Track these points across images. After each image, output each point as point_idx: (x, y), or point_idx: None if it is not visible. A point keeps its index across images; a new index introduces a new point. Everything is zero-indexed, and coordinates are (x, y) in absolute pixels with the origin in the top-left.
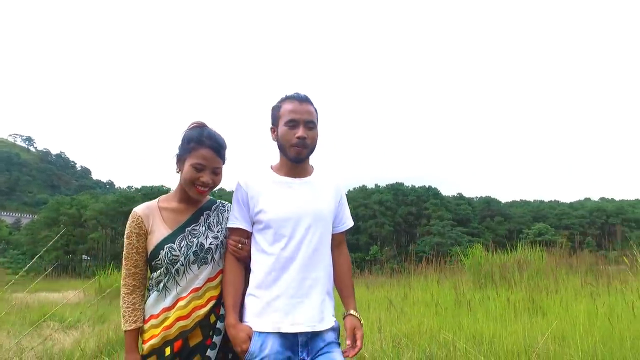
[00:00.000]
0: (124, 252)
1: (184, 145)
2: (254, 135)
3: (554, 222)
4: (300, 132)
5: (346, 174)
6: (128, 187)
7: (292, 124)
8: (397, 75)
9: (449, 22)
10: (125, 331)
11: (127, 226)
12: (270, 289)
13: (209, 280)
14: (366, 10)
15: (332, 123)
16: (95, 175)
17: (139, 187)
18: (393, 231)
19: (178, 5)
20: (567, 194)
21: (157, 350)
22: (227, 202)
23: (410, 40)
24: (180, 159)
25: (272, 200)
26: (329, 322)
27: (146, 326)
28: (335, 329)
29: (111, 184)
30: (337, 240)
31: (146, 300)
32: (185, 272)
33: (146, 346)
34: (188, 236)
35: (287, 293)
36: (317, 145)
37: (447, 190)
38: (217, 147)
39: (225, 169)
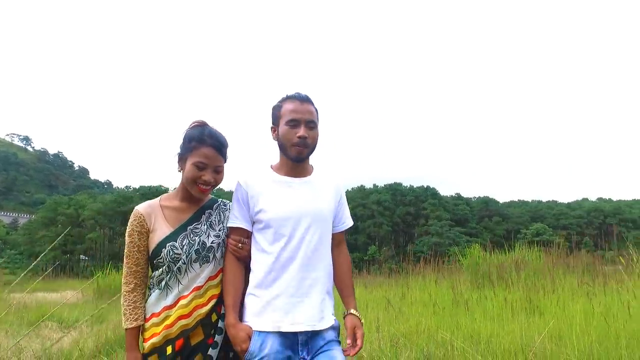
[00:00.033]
0: (125, 251)
1: (185, 144)
2: (253, 135)
3: (552, 222)
4: (301, 131)
5: (344, 174)
6: (126, 187)
7: (293, 123)
8: (395, 76)
9: (447, 22)
10: (126, 329)
11: (128, 224)
12: (270, 289)
13: (211, 278)
14: (364, 11)
15: (331, 123)
16: (93, 175)
17: (137, 187)
18: (391, 231)
19: (177, 4)
20: (565, 194)
21: (159, 349)
22: (228, 201)
23: (409, 40)
24: (182, 158)
25: (272, 199)
26: (328, 321)
27: (147, 324)
28: (336, 328)
29: (109, 183)
30: (337, 240)
31: (147, 299)
32: (187, 270)
33: (147, 344)
34: (190, 235)
35: (287, 292)
36: (317, 145)
37: (445, 190)
38: (218, 145)
39: (225, 169)
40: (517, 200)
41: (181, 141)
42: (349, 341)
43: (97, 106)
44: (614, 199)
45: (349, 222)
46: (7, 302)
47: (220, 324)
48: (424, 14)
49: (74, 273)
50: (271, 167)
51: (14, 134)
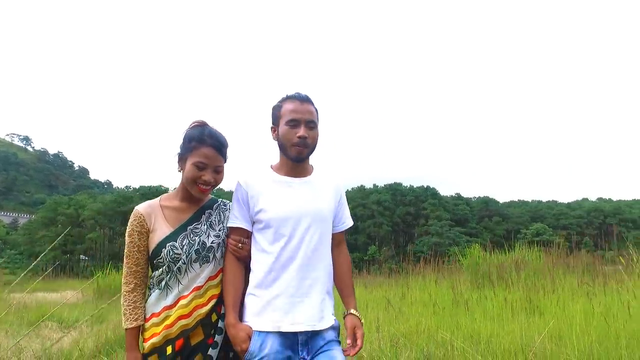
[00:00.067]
0: (125, 251)
1: (185, 144)
2: (253, 135)
3: (552, 222)
4: (301, 131)
5: (344, 174)
6: (126, 187)
7: (293, 123)
8: (395, 76)
9: (446, 23)
10: (125, 329)
11: (128, 224)
12: (270, 289)
13: (211, 278)
14: (364, 11)
15: (331, 123)
16: (93, 175)
17: (137, 187)
18: (391, 231)
19: (176, 4)
20: (565, 194)
21: (159, 349)
22: (228, 201)
23: (409, 40)
24: (182, 158)
25: (272, 199)
26: (328, 321)
27: (147, 324)
28: (336, 328)
29: (109, 183)
30: (337, 240)
31: (147, 299)
32: (187, 270)
33: (147, 344)
34: (190, 235)
35: (287, 292)
36: (317, 145)
37: (445, 190)
38: (218, 145)
39: (225, 169)
40: (517, 200)
41: (181, 141)
42: (349, 341)
43: (97, 106)
44: (614, 199)
45: (349, 222)
46: (7, 302)
47: (220, 324)
48: (424, 14)
49: (74, 273)
50: (271, 167)
51: (14, 134)
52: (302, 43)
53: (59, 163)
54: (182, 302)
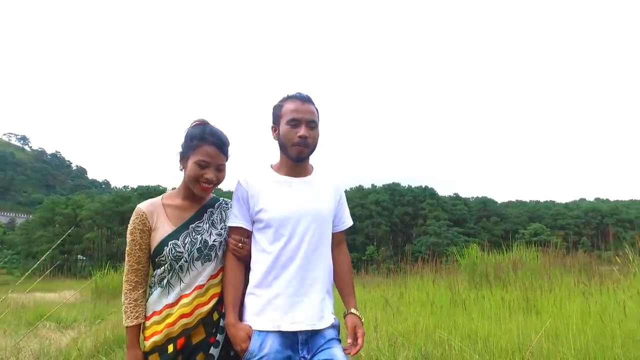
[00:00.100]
0: (126, 249)
1: (187, 143)
2: (252, 135)
3: (550, 223)
4: (302, 131)
5: (343, 174)
6: (124, 186)
7: (294, 123)
8: (393, 76)
9: (445, 23)
10: (126, 327)
11: (130, 222)
12: (270, 288)
13: (212, 277)
14: (362, 12)
15: (329, 123)
16: (91, 175)
17: (135, 187)
18: (389, 231)
19: (174, 3)
20: (563, 195)
21: (160, 348)
22: (230, 200)
23: (407, 41)
24: (184, 157)
25: (272, 199)
26: (328, 320)
27: (148, 323)
28: (335, 326)
29: (107, 183)
30: (337, 240)
31: (148, 298)
32: (189, 268)
33: (148, 343)
34: (192, 233)
35: (287, 292)
36: (317, 145)
37: (444, 190)
38: (220, 144)
39: (226, 167)
40: (515, 200)
41: (182, 140)
42: (350, 340)
43: (95, 106)
44: (612, 199)
45: (348, 222)
46: (5, 302)
47: (221, 323)
48: (422, 15)
49: (72, 273)
50: (271, 166)
51: (11, 133)
52: (301, 43)
53: (57, 163)
54: (184, 300)
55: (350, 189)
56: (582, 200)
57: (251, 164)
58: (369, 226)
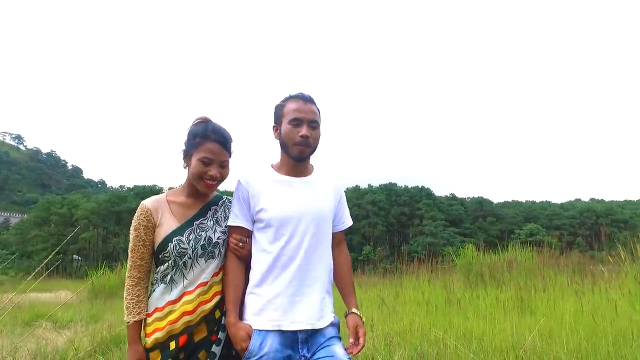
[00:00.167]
0: (130, 245)
1: (190, 141)
2: (250, 135)
3: (545, 223)
4: (303, 130)
5: (340, 174)
6: (120, 186)
7: (296, 122)
8: (390, 76)
9: (443, 24)
10: (128, 323)
11: (134, 218)
12: (271, 288)
13: (215, 275)
14: (361, 13)
15: (327, 123)
16: (86, 175)
17: (131, 187)
18: (386, 231)
19: (172, 2)
20: (558, 195)
21: (161, 345)
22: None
23: (404, 41)
24: (187, 155)
25: (272, 199)
26: (328, 319)
27: (150, 319)
28: (335, 324)
29: (103, 183)
30: (337, 239)
31: (151, 294)
32: (193, 265)
33: (150, 339)
34: (196, 230)
35: (287, 291)
36: (318, 146)
37: (440, 190)
38: (223, 140)
39: (230, 164)
40: (511, 200)
41: (185, 138)
42: (351, 340)
43: (90, 105)
44: (606, 199)
45: (348, 222)
46: (1, 302)
47: (223, 321)
48: (419, 15)
49: (67, 273)
50: (272, 166)
51: (5, 132)
52: (299, 44)
53: (52, 162)
54: (188, 297)
55: (347, 189)
56: (578, 200)
57: (251, 164)
58: (365, 226)
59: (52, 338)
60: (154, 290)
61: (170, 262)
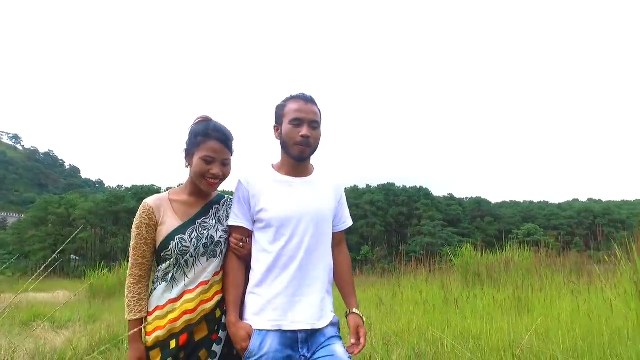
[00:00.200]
0: (132, 243)
1: (191, 140)
2: (250, 134)
3: (543, 223)
4: (304, 130)
5: (339, 174)
6: (118, 186)
7: (297, 122)
8: (388, 77)
9: (442, 24)
10: (129, 321)
11: (137, 216)
12: (271, 288)
13: (216, 274)
14: (360, 13)
15: (326, 123)
16: (84, 174)
17: (129, 187)
18: (384, 231)
19: (171, 2)
20: (556, 195)
21: (162, 343)
22: None
23: (403, 42)
24: (189, 154)
25: (273, 199)
26: (328, 318)
27: (150, 318)
28: (335, 324)
29: (101, 182)
30: (337, 239)
31: (152, 293)
32: (194, 264)
33: (151, 338)
34: (198, 228)
35: (287, 291)
36: (319, 146)
37: (438, 190)
38: (224, 139)
39: (231, 162)
40: (509, 200)
41: (187, 137)
42: (353, 340)
43: (88, 104)
44: (604, 199)
45: (349, 222)
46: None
47: (224, 320)
48: (418, 16)
49: (64, 273)
50: (272, 166)
51: (3, 132)
52: (299, 44)
53: (49, 162)
54: (188, 296)
55: (345, 189)
56: (575, 200)
57: (252, 164)
58: (363, 226)
59: (50, 338)
60: (155, 288)
61: (172, 260)
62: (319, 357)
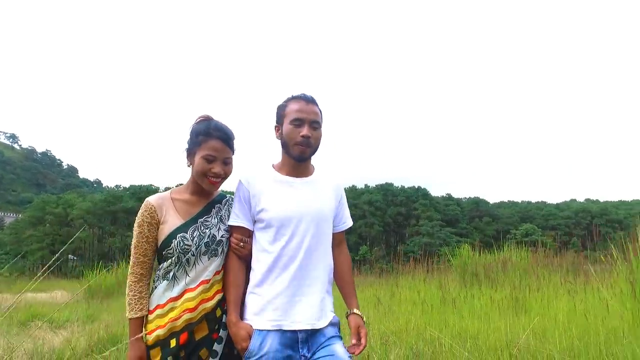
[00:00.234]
0: (133, 241)
1: (193, 139)
2: (250, 134)
3: (541, 223)
4: (305, 130)
5: (340, 174)
6: (116, 186)
7: (298, 122)
8: (387, 77)
9: (441, 24)
10: (130, 319)
11: (138, 215)
12: (271, 288)
13: (217, 273)
14: (359, 13)
15: (325, 123)
16: (82, 174)
17: (127, 186)
18: (382, 231)
19: (170, 1)
20: (554, 195)
21: (162, 342)
22: None
23: (402, 42)
24: (191, 153)
25: (273, 199)
26: (328, 318)
27: (151, 316)
28: (335, 324)
29: (99, 182)
30: (337, 240)
31: (153, 291)
32: (196, 262)
33: (151, 337)
34: (200, 227)
35: (287, 291)
36: (320, 146)
37: (436, 190)
38: (225, 137)
39: (233, 161)
40: (507, 201)
41: (188, 136)
42: (354, 340)
43: (86, 104)
44: (601, 200)
45: (349, 222)
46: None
47: (225, 319)
48: (415, 16)
49: (62, 273)
50: (273, 166)
51: (0, 131)
52: (299, 45)
53: (47, 161)
54: (189, 295)
55: (344, 189)
56: (573, 201)
57: (253, 164)
58: (362, 226)
59: (48, 338)
60: (155, 287)
61: (173, 259)
62: (319, 357)
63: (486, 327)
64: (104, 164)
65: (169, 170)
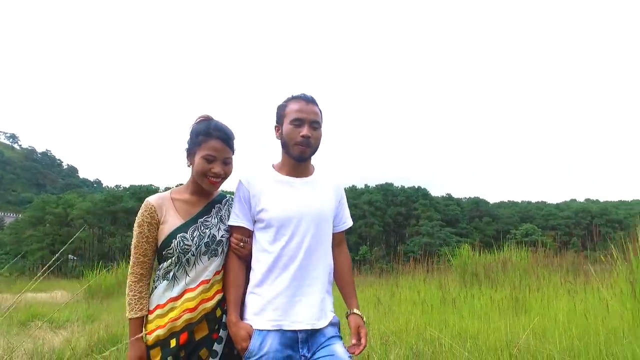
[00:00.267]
0: (133, 241)
1: (193, 139)
2: (250, 134)
3: (541, 223)
4: (305, 130)
5: (340, 174)
6: (116, 186)
7: (298, 122)
8: (387, 77)
9: (440, 25)
10: (130, 319)
11: (139, 215)
12: (271, 288)
13: (217, 273)
14: (358, 13)
15: (325, 123)
16: (82, 174)
17: (127, 186)
18: (382, 231)
19: (169, 0)
20: (554, 195)
21: (162, 342)
22: None
23: (402, 42)
24: (191, 153)
25: (273, 199)
26: (328, 318)
27: (151, 316)
28: (335, 324)
29: (99, 182)
30: (337, 240)
31: (153, 291)
32: (196, 262)
33: (151, 337)
34: (201, 227)
35: (287, 291)
36: (320, 146)
37: (436, 190)
38: (225, 137)
39: (233, 161)
40: (507, 200)
41: (188, 137)
42: (354, 340)
43: (86, 104)
44: (601, 200)
45: (349, 222)
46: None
47: (225, 319)
48: (415, 16)
49: (62, 273)
50: (273, 166)
51: (0, 131)
52: (299, 45)
53: (47, 161)
54: (189, 295)
55: (344, 189)
56: (573, 201)
57: (253, 164)
58: (362, 226)
59: (48, 338)
60: (155, 287)
61: (173, 258)
62: (319, 357)
63: (486, 327)
64: (104, 164)
65: (169, 170)
